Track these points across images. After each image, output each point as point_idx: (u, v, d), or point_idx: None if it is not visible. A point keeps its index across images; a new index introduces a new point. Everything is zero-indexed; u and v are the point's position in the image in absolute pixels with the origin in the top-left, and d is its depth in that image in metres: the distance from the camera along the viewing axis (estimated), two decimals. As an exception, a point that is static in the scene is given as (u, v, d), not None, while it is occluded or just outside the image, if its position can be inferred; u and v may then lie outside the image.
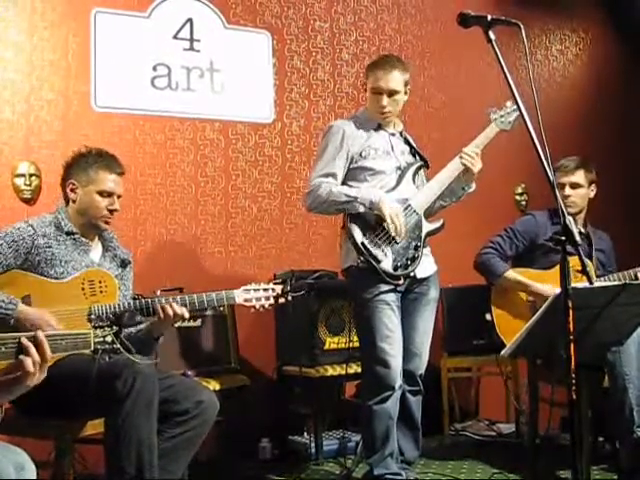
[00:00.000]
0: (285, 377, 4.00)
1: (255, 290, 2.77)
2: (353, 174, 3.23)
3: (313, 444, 3.82)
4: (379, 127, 3.28)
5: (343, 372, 3.72)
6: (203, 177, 4.19)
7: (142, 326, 2.74)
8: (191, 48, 4.23)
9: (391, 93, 3.20)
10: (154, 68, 4.11)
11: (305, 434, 3.95)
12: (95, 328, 1.87)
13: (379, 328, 3.08)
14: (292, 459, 3.85)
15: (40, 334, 1.65)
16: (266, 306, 2.78)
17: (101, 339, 1.88)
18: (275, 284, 2.81)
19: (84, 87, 3.92)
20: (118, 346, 1.90)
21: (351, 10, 4.75)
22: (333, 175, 3.19)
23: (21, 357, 1.61)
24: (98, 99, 3.95)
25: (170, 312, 2.61)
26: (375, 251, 3.05)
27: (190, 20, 4.25)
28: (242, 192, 4.29)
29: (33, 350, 1.62)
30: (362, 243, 3.05)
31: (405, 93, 3.27)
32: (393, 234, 3.05)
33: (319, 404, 3.87)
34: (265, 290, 2.78)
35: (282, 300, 2.81)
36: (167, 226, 4.07)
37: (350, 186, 3.18)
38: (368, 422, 3.14)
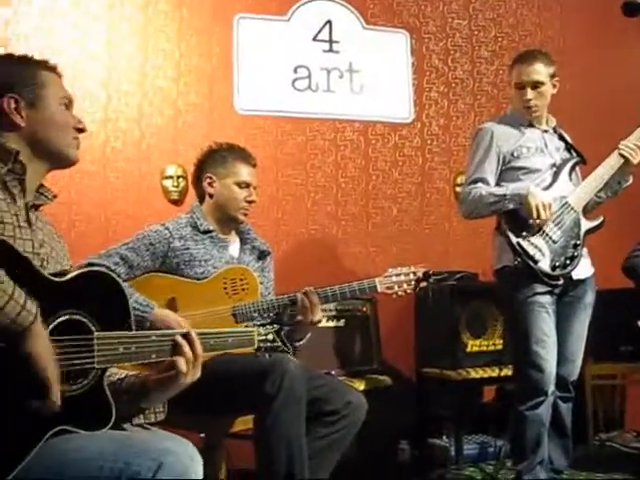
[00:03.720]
0: (425, 379, 3.93)
1: (396, 275, 2.71)
2: (507, 175, 3.15)
3: (453, 448, 3.74)
4: (530, 124, 3.18)
5: (486, 375, 3.64)
6: (343, 177, 4.21)
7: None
8: (330, 50, 4.26)
9: (535, 85, 3.09)
10: (295, 70, 4.17)
11: (444, 437, 3.87)
12: (258, 326, 1.88)
13: (534, 331, 2.97)
14: (431, 462, 3.78)
15: (192, 332, 1.65)
16: (408, 291, 2.72)
17: (263, 337, 1.88)
18: (417, 267, 2.75)
19: (227, 91, 4.03)
20: (278, 344, 1.90)
21: (489, 6, 4.64)
22: (483, 180, 3.12)
23: (175, 357, 1.61)
24: (241, 102, 4.04)
25: (314, 300, 2.58)
26: (532, 251, 2.95)
27: (329, 22, 4.27)
28: (382, 192, 4.28)
29: (187, 348, 1.62)
30: (518, 243, 2.95)
31: (554, 86, 3.15)
32: (537, 222, 2.93)
33: (460, 407, 3.80)
34: (406, 275, 2.72)
35: (424, 284, 2.75)
36: (308, 226, 4.11)
37: (501, 187, 3.10)
38: (519, 428, 3.04)
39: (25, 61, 1.72)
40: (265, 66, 4.11)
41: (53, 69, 1.74)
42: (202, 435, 2.69)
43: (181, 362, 1.60)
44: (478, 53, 4.57)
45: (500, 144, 3.13)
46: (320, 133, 4.19)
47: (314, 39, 4.24)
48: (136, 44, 3.88)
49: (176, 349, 1.61)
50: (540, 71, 3.10)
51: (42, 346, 1.34)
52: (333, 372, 3.42)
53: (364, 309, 3.65)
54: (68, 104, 1.74)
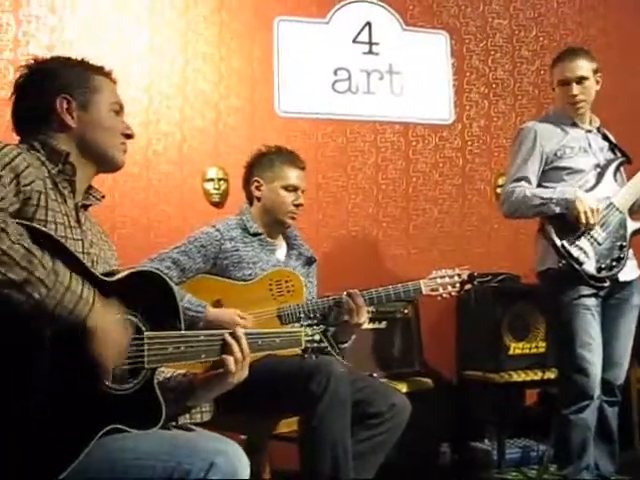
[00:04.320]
0: (466, 381, 3.91)
1: (441, 277, 2.71)
2: (549, 175, 3.11)
3: (495, 451, 3.69)
4: (574, 124, 3.14)
5: (528, 378, 3.60)
6: (384, 179, 4.20)
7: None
8: (370, 51, 4.25)
9: (579, 80, 3.08)
10: (335, 72, 4.16)
11: (486, 441, 3.83)
12: (304, 327, 1.88)
13: (579, 334, 2.93)
14: (472, 466, 3.75)
15: (239, 331, 1.66)
16: (452, 293, 2.71)
17: (310, 337, 1.89)
18: (461, 270, 2.74)
19: (268, 93, 4.04)
20: (325, 345, 1.90)
21: (530, 5, 4.59)
22: (525, 179, 3.09)
23: (224, 356, 1.63)
24: (281, 104, 4.05)
25: (359, 302, 2.57)
26: (576, 253, 2.91)
27: (369, 24, 4.26)
28: (422, 194, 4.26)
29: (236, 348, 1.63)
30: (562, 245, 2.92)
31: (597, 82, 3.13)
32: (584, 228, 2.91)
33: (502, 410, 3.76)
34: (451, 277, 2.71)
35: (468, 286, 2.74)
36: (349, 228, 4.10)
37: (546, 187, 3.06)
38: (563, 432, 3.01)
39: (81, 64, 1.76)
40: (305, 68, 4.12)
41: (108, 75, 1.79)
42: (243, 437, 2.70)
43: (230, 361, 1.62)
44: (519, 53, 4.53)
45: (543, 143, 3.10)
46: (360, 135, 4.18)
47: (354, 41, 4.23)
48: (177, 48, 3.91)
49: (225, 348, 1.63)
50: (584, 66, 3.08)
51: (101, 333, 1.36)
52: (375, 374, 3.41)
53: (405, 311, 3.63)
54: (119, 110, 1.77)
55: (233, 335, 1.65)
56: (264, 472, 2.65)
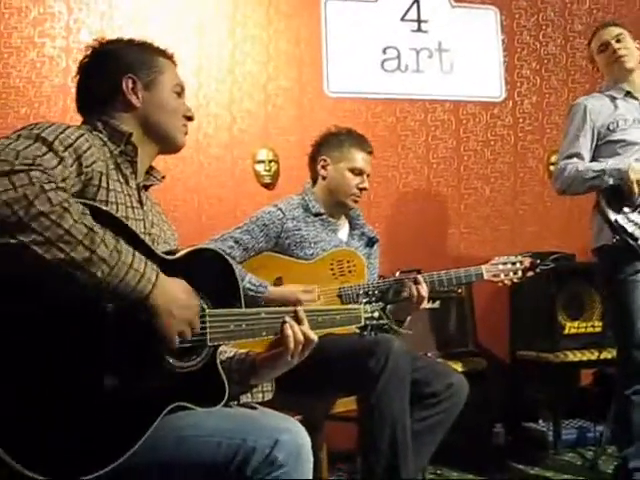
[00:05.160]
0: (519, 361, 3.87)
1: (503, 264, 2.67)
2: (603, 149, 3.05)
3: (550, 432, 3.66)
4: (628, 94, 3.08)
5: (584, 358, 3.55)
6: (434, 158, 4.16)
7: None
8: (419, 29, 4.20)
9: (617, 39, 3.05)
10: (383, 51, 4.13)
11: (540, 421, 3.81)
12: (364, 304, 1.87)
13: (637, 310, 2.86)
14: (527, 446, 3.71)
15: (301, 312, 1.66)
16: (515, 280, 2.67)
17: (369, 314, 1.88)
18: (524, 257, 2.69)
19: (317, 74, 4.02)
20: (384, 322, 1.89)
21: (582, -24, 4.49)
22: (578, 155, 3.03)
23: (283, 334, 1.63)
24: (330, 84, 4.03)
25: (422, 289, 2.54)
26: (631, 228, 2.84)
27: (417, 1, 4.21)
28: (474, 173, 4.21)
29: (296, 328, 1.63)
30: (616, 220, 2.85)
31: (637, 48, 3.09)
32: (639, 200, 2.83)
33: (557, 391, 3.72)
34: (513, 264, 2.68)
35: (530, 273, 2.69)
36: (400, 208, 4.08)
37: (599, 162, 3.00)
38: (624, 412, 2.93)
39: (146, 46, 1.78)
40: (354, 48, 4.08)
41: (170, 57, 1.80)
42: (298, 417, 2.70)
43: (289, 340, 1.62)
44: (571, 27, 4.43)
45: (594, 118, 3.05)
46: (410, 114, 4.14)
47: (402, 19, 4.18)
48: (225, 30, 3.91)
49: (285, 327, 1.62)
50: (617, 29, 3.09)
51: (164, 311, 1.37)
52: (429, 354, 3.40)
53: (459, 290, 3.61)
54: (180, 92, 1.79)
55: (294, 316, 1.65)
56: (321, 452, 2.66)
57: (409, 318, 2.68)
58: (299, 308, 1.68)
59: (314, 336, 1.65)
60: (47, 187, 1.24)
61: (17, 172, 1.22)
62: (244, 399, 1.73)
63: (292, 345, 1.62)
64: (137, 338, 1.37)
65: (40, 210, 1.21)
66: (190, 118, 1.80)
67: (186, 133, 1.80)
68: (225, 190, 3.83)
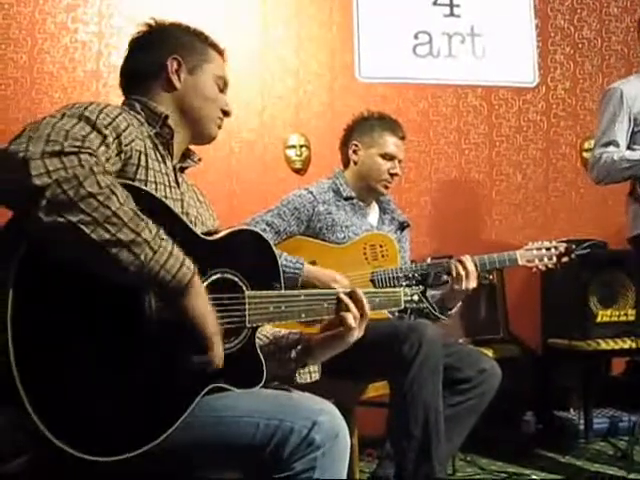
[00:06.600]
0: (551, 349, 3.84)
1: (537, 249, 2.65)
2: (639, 137, 2.99)
3: (582, 421, 3.64)
4: None
5: (617, 347, 3.51)
6: (466, 144, 4.13)
7: (438, 293, 2.65)
8: (451, 14, 4.16)
9: None
10: (415, 36, 4.10)
11: (571, 410, 3.78)
12: (404, 287, 1.87)
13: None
14: (558, 435, 3.70)
15: (358, 290, 1.66)
16: (549, 266, 2.65)
17: (409, 298, 1.87)
18: (559, 242, 2.67)
19: (348, 59, 4.01)
20: (424, 305, 1.88)
21: (619, -42, 4.41)
22: (613, 143, 3.00)
23: (342, 313, 1.63)
24: (362, 70, 4.01)
25: (469, 267, 2.52)
26: None
27: (449, -15, 4.18)
28: (506, 159, 4.18)
29: (352, 306, 1.63)
30: None
31: None
32: None
33: (588, 379, 3.69)
34: (548, 249, 2.65)
35: (565, 259, 2.67)
36: (432, 194, 4.06)
37: (635, 150, 2.95)
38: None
39: (198, 33, 1.78)
40: (385, 33, 4.06)
41: (221, 52, 1.80)
42: (331, 401, 2.70)
43: (349, 318, 1.62)
44: (607, 10, 4.35)
45: (630, 104, 3.01)
46: (442, 99, 4.11)
47: (434, 4, 4.15)
48: (255, 15, 3.90)
49: (341, 306, 1.63)
50: None
51: (202, 303, 1.36)
52: (461, 340, 3.39)
53: (491, 277, 3.59)
54: (223, 86, 1.78)
55: (349, 294, 1.65)
56: (353, 436, 2.65)
57: (459, 304, 2.67)
58: (357, 288, 1.67)
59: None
60: (96, 169, 1.24)
61: (68, 154, 1.23)
62: (298, 379, 1.73)
63: (352, 324, 1.62)
64: (179, 319, 1.38)
65: (89, 191, 1.22)
66: (227, 113, 1.78)
67: (220, 127, 1.78)
68: (256, 175, 3.83)
